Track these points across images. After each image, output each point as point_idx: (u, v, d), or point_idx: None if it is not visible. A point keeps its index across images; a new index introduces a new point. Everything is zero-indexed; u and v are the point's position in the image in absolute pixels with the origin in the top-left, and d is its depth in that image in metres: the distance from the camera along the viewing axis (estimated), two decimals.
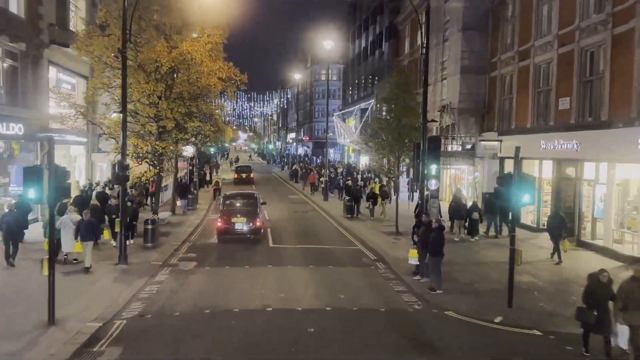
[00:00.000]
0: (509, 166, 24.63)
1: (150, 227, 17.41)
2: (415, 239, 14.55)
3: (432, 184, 14.84)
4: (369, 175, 39.50)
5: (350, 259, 17.00)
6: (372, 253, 17.82)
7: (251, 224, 18.81)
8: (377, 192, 28.59)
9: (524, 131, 23.05)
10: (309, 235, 21.33)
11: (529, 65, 22.90)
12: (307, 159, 69.66)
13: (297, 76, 48.85)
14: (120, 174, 14.63)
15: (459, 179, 30.71)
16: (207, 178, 37.06)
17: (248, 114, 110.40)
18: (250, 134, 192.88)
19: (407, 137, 20.32)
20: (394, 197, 24.65)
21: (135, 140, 16.66)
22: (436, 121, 25.96)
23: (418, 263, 14.31)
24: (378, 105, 20.94)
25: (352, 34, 61.49)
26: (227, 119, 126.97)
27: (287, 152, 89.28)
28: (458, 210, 19.98)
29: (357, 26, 59.03)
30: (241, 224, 18.76)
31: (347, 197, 26.53)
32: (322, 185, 33.69)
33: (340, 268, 15.66)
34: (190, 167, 47.18)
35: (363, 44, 56.18)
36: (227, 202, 20.37)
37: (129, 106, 16.76)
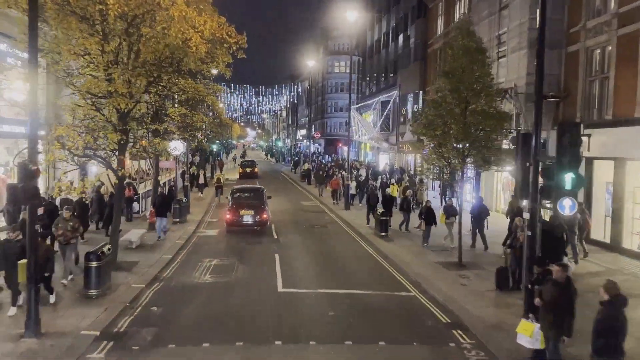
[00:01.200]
0: (601, 170, 18.06)
1: (93, 264, 11.03)
2: (537, 302, 8.07)
3: (567, 206, 8.20)
4: (403, 176, 32.98)
5: (409, 323, 10.39)
6: (438, 308, 11.22)
7: (258, 217, 19.33)
8: (394, 194, 23.77)
9: (628, 122, 16.44)
10: (335, 268, 14.86)
11: (638, 32, 16.28)
12: (320, 157, 63.04)
13: (310, 63, 42.28)
14: (23, 185, 8.28)
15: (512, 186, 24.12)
16: (201, 181, 30.25)
17: (256, 109, 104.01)
18: (259, 131, 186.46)
19: (479, 127, 13.83)
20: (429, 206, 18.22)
21: (64, 130, 10.18)
22: (558, 98, 19.16)
23: (541, 348, 7.90)
24: (438, 84, 14.17)
25: (370, 20, 54.84)
26: (235, 115, 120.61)
27: (297, 149, 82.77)
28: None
29: (376, 11, 52.36)
30: (248, 217, 19.25)
31: (381, 210, 19.99)
32: (344, 190, 27.12)
33: (400, 348, 9.14)
34: (188, 166, 41.10)
35: (384, 30, 49.54)
36: (236, 195, 20.74)
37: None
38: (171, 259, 15.23)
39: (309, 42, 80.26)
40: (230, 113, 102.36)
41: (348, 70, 76.64)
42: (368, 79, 55.00)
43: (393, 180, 31.72)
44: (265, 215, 19.71)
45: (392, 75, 45.81)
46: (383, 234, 19.06)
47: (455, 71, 14.07)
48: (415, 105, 38.56)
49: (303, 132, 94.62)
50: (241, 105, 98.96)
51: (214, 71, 31.42)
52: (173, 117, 16.01)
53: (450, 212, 17.01)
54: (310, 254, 16.62)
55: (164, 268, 14.18)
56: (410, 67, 40.43)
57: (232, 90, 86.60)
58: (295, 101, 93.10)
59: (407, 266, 14.80)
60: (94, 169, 23.13)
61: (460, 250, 14.71)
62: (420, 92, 38.17)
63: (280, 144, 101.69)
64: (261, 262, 15.39)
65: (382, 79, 48.94)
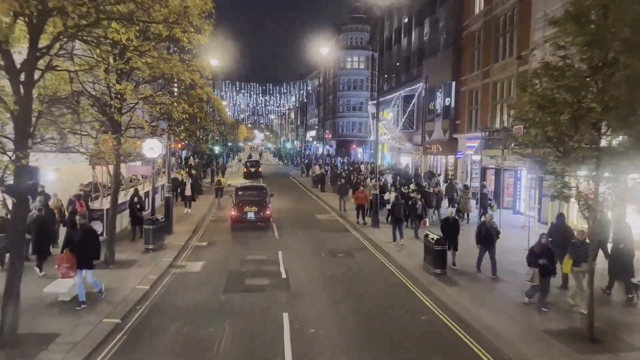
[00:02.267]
0: None
1: None
2: None
3: None
4: (432, 181, 26.98)
5: None
6: None
7: (261, 213, 19.81)
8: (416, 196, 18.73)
9: None
10: (378, 341, 9.07)
11: None
12: (333, 159, 57.02)
13: (324, 51, 36.45)
14: None
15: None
16: (189, 192, 23.94)
17: (263, 110, 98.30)
18: (267, 133, 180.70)
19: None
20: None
21: None
22: None
23: None
24: (555, 42, 7.51)
25: (388, 7, 48.89)
26: (241, 116, 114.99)
27: (308, 151, 77.03)
28: None
29: None
30: (252, 213, 19.68)
31: (435, 237, 13.70)
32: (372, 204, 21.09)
33: None
34: (187, 170, 35.40)
35: (404, 16, 43.60)
36: (239, 193, 21.07)
37: None
38: (113, 328, 9.36)
39: (321, 36, 74.54)
40: (235, 113, 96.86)
41: (362, 66, 71.04)
42: (386, 73, 48.96)
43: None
44: (268, 212, 20.11)
45: (416, 66, 39.84)
46: (438, 270, 13.10)
47: (589, 13, 8.05)
48: (447, 99, 32.64)
49: (313, 133, 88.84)
50: (248, 105, 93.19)
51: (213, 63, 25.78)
52: (126, 96, 10.32)
53: (581, 254, 10.23)
54: (338, 313, 10.68)
55: (95, 350, 8.34)
56: (440, 56, 34.47)
57: (238, 89, 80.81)
58: (305, 100, 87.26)
59: (501, 341, 8.86)
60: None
61: (592, 314, 8.75)
62: (453, 83, 32.23)
63: (289, 145, 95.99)
64: (262, 332, 9.52)
65: (404, 71, 42.96)
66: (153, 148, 16.83)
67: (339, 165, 49.40)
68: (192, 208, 24.33)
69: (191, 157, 51.12)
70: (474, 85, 29.29)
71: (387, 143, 43.81)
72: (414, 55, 40.39)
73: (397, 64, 45.33)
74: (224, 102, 68.08)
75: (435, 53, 35.05)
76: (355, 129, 70.44)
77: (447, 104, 32.56)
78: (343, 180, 26.85)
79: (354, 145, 68.84)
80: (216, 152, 53.83)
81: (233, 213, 19.82)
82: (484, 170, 26.29)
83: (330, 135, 69.18)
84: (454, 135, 31.71)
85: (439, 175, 32.41)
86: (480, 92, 28.42)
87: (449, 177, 32.11)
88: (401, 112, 40.90)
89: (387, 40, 49.26)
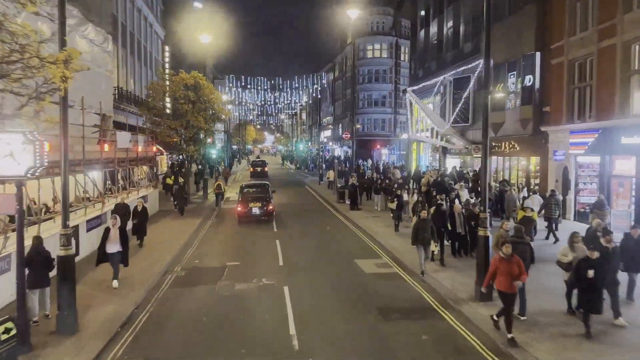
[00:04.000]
0: None
1: None
2: None
3: None
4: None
5: None
6: None
7: (265, 208, 20.90)
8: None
9: None
10: None
11: None
12: (362, 164, 46.90)
13: (352, 14, 26.29)
14: None
15: None
16: (128, 228, 14.07)
17: (273, 109, 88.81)
18: (277, 134, 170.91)
19: None
20: None
21: None
22: None
23: None
24: None
25: None
26: (249, 117, 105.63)
27: (326, 153, 67.51)
28: None
29: None
30: (256, 209, 20.77)
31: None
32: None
33: None
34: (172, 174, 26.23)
35: None
36: (244, 191, 22.33)
37: None
38: None
39: (337, 24, 64.85)
40: (243, 113, 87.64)
41: (385, 55, 61.06)
42: (428, 53, 39.15)
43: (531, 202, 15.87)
44: (270, 207, 21.23)
45: (470, 39, 29.98)
46: None
47: None
48: (528, 78, 22.80)
49: (327, 133, 79.23)
50: (255, 104, 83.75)
51: None
52: None
53: None
54: None
55: None
56: (511, 19, 24.72)
57: (244, 84, 71.37)
58: (319, 96, 77.62)
59: None
60: None
61: None
62: (537, 54, 22.43)
63: (301, 146, 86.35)
64: None
65: (450, 49, 33.12)
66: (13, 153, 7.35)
67: (366, 169, 39.68)
68: (153, 246, 14.81)
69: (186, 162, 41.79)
70: (580, 53, 19.48)
71: (428, 141, 34.06)
72: (467, 25, 30.56)
73: (436, 41, 35.50)
74: (224, 97, 58.73)
75: (507, 15, 25.26)
76: (378, 127, 60.65)
77: (529, 83, 22.73)
78: (418, 200, 17.00)
79: (377, 146, 59.12)
80: (213, 155, 44.48)
81: (239, 209, 20.91)
82: (606, 179, 16.80)
83: (349, 135, 59.28)
84: (542, 128, 21.91)
85: (524, 186, 22.51)
86: (595, 61, 18.57)
87: (531, 187, 22.33)
88: (449, 101, 31.10)
89: (422, 18, 39.46)
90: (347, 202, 25.07)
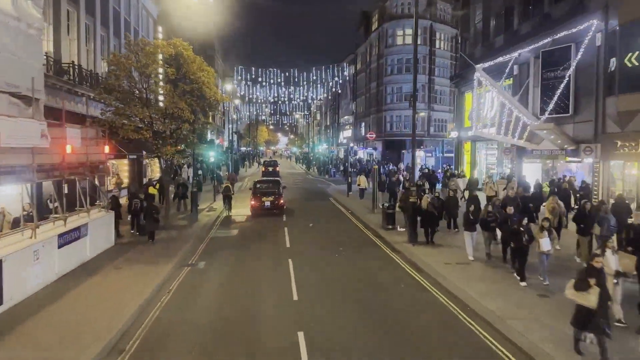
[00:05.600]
0: None
1: None
2: None
3: None
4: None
5: None
6: None
7: (276, 202, 22.92)
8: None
9: None
10: None
11: None
12: (392, 166, 37.91)
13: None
14: None
15: None
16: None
17: (287, 107, 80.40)
18: (291, 136, 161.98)
19: None
20: None
21: None
22: None
23: None
24: None
25: None
26: (262, 116, 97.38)
27: (354, 155, 58.93)
28: None
29: None
30: (268, 203, 22.77)
31: None
32: None
33: None
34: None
35: None
36: (257, 186, 24.15)
37: None
38: None
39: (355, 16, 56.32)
40: (254, 112, 79.44)
41: (419, 41, 52.41)
42: (493, 23, 30.49)
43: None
44: (281, 201, 23.21)
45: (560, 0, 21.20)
46: None
47: None
48: None
49: (347, 133, 70.60)
50: (268, 101, 75.41)
51: None
52: None
53: None
54: None
55: None
56: None
57: (254, 77, 63.03)
58: (339, 90, 69.10)
59: None
60: None
61: None
62: None
63: (320, 148, 77.73)
64: None
65: (527, 16, 24.34)
66: None
67: (402, 174, 30.84)
68: None
69: (178, 169, 33.60)
70: None
71: (498, 139, 25.32)
72: None
73: (503, 9, 26.74)
74: (228, 86, 50.52)
75: None
76: (409, 126, 51.86)
77: None
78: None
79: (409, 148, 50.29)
80: (211, 159, 36.18)
81: (253, 203, 22.73)
82: None
83: (374, 135, 50.48)
84: None
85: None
86: None
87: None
88: (533, 85, 22.34)
89: None
90: (398, 227, 16.44)
